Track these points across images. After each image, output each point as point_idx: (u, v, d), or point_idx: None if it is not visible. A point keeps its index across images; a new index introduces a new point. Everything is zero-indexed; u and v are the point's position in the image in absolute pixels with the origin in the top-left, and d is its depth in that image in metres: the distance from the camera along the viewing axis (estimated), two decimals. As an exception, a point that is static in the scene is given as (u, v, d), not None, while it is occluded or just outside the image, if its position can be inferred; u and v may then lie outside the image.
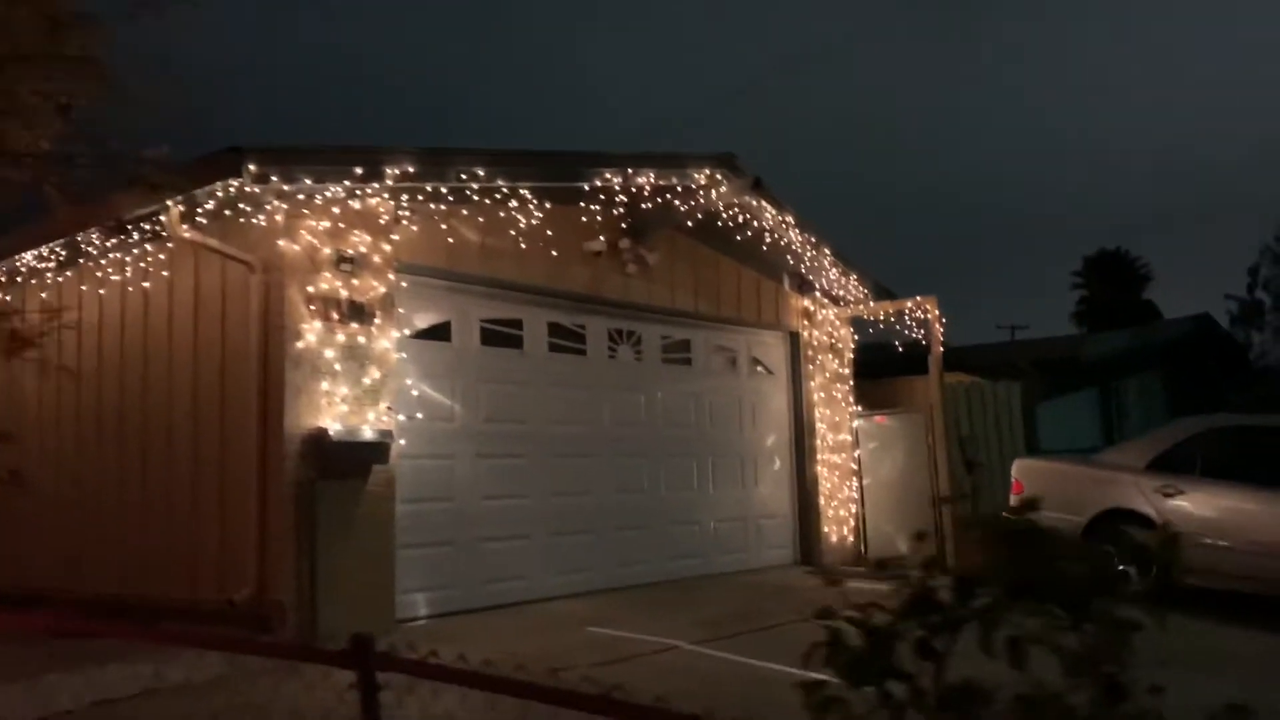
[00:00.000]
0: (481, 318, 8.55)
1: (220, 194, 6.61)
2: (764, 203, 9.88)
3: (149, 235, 7.37)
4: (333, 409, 7.00)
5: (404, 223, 7.60)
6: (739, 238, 10.17)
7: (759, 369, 11.44)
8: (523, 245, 8.47)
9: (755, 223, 10.05)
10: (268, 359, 6.95)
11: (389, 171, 7.05)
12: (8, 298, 9.16)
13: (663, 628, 7.45)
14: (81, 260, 8.34)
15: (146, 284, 7.97)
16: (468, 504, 8.25)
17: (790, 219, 10.20)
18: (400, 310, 7.63)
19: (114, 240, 7.61)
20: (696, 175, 9.26)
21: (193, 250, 7.20)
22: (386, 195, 7.35)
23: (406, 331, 7.76)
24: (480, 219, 8.15)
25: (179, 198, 6.57)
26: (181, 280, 7.74)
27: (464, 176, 7.46)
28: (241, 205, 6.80)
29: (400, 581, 7.54)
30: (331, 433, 6.86)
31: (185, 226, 6.74)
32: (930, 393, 11.30)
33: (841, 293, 11.86)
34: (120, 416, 8.38)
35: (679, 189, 9.27)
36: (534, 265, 8.66)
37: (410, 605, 7.68)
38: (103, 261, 8.24)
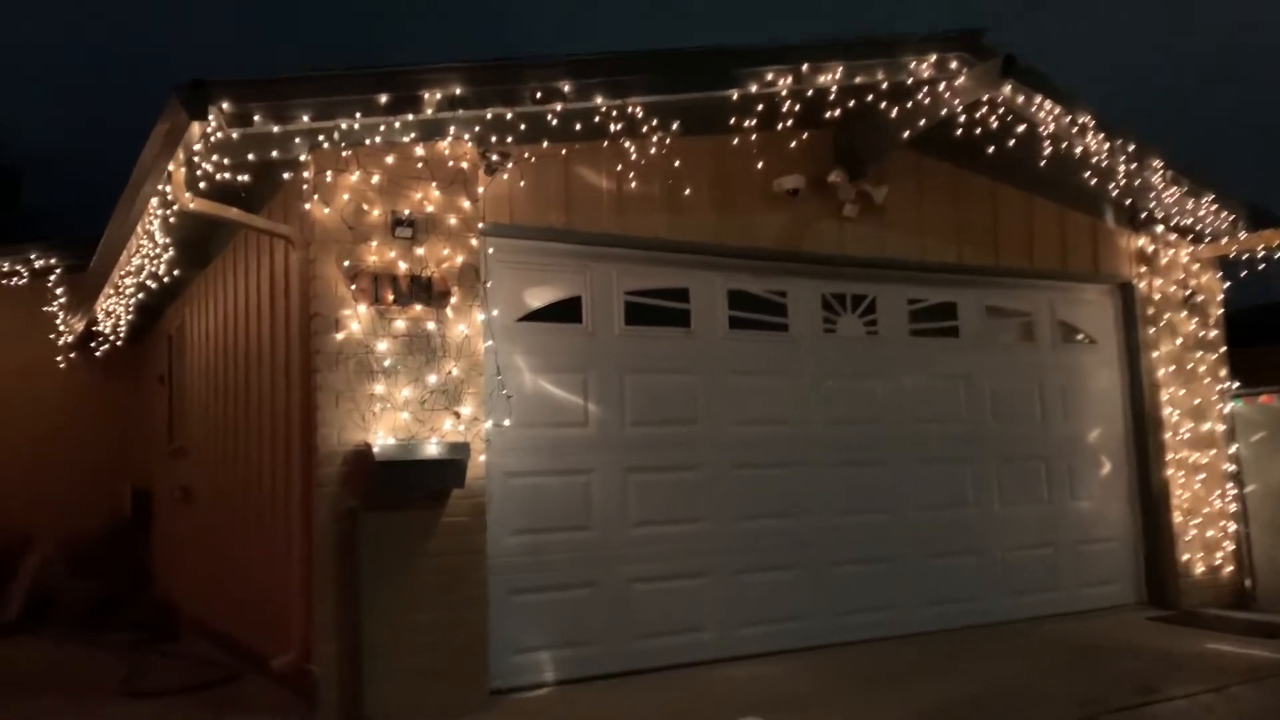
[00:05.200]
0: (627, 290, 6.52)
1: (208, 148, 5.08)
2: (1041, 99, 6.87)
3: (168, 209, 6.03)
4: (388, 418, 5.33)
5: (496, 172, 5.79)
6: (1019, 156, 7.25)
7: (1071, 337, 8.33)
8: (681, 189, 6.36)
9: (1032, 130, 7.07)
10: (306, 357, 5.45)
11: (426, 98, 5.22)
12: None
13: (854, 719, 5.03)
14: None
15: (218, 273, 6.85)
16: (612, 533, 6.27)
17: (1088, 120, 7.09)
18: (491, 284, 5.83)
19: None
20: (919, 66, 6.51)
21: (225, 228, 5.87)
22: (457, 134, 5.55)
23: (500, 312, 5.92)
24: (613, 158, 6.15)
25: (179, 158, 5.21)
26: (231, 265, 6.53)
27: (541, 95, 5.44)
28: (251, 158, 5.23)
29: (511, 638, 5.77)
30: (376, 449, 5.17)
31: (190, 195, 5.35)
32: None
33: (1197, 224, 8.40)
34: (216, 435, 7.58)
35: (904, 86, 6.58)
36: (699, 216, 6.49)
37: (526, 669, 5.85)
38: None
